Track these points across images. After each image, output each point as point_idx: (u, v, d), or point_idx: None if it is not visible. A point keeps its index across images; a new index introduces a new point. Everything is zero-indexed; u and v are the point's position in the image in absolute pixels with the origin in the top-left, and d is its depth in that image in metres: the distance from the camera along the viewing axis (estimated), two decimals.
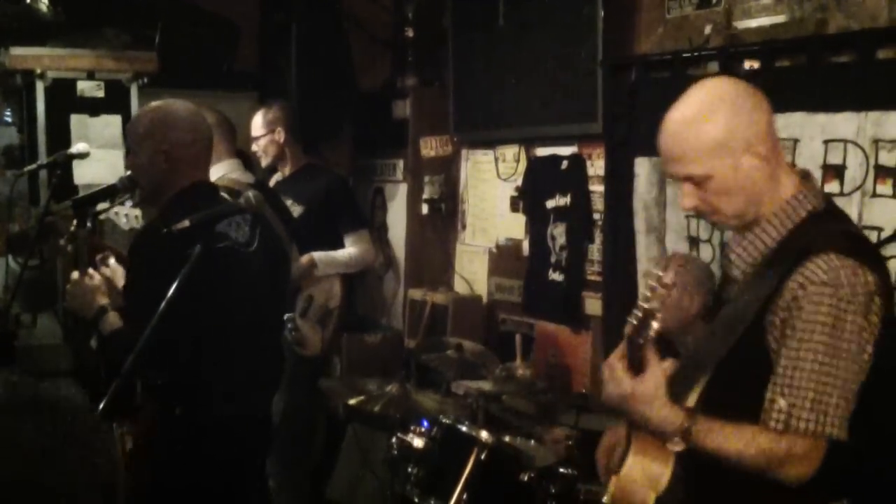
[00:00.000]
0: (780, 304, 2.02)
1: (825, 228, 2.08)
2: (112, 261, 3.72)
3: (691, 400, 2.15)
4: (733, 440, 2.01)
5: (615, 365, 2.12)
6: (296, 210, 4.69)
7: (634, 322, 2.07)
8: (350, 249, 4.81)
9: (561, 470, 3.17)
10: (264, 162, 4.88)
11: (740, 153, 2.08)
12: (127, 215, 3.91)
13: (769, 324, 2.04)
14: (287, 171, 4.92)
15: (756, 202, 2.12)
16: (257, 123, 4.88)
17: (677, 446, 2.06)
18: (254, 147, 4.89)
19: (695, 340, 3.18)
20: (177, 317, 2.53)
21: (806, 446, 1.97)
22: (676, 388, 2.14)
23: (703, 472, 2.12)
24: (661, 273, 2.04)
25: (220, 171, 3.94)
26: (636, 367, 2.10)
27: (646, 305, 2.04)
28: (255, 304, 3.08)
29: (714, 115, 2.09)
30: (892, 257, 3.06)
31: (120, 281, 3.70)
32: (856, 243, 2.07)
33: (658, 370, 2.09)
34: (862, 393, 2.01)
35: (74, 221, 3.51)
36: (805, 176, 2.21)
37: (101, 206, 3.78)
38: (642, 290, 2.11)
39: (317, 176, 4.92)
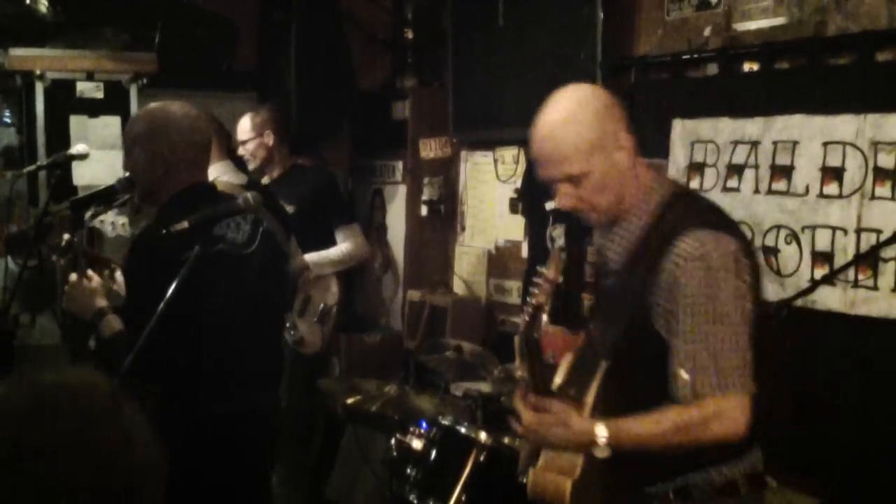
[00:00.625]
0: (661, 285, 2.16)
1: (682, 209, 2.24)
2: (118, 274, 3.75)
3: (593, 387, 2.28)
4: (650, 427, 2.14)
5: (518, 405, 2.28)
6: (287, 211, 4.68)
7: (526, 318, 2.23)
8: (342, 245, 4.81)
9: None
10: (252, 165, 4.83)
11: (612, 148, 2.24)
12: (113, 223, 3.90)
13: (653, 305, 2.18)
14: (275, 174, 4.89)
15: (625, 194, 2.28)
16: (245, 127, 4.82)
17: (603, 452, 2.16)
18: (241, 151, 4.84)
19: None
20: (174, 319, 2.53)
21: (722, 403, 2.09)
22: (579, 378, 2.31)
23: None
24: (544, 270, 2.25)
25: (213, 173, 3.93)
26: (535, 375, 2.25)
27: (533, 301, 2.22)
28: (253, 304, 3.09)
29: (584, 116, 2.24)
30: (891, 259, 3.06)
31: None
32: (712, 216, 2.26)
33: (557, 404, 2.22)
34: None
35: (66, 235, 3.55)
36: (657, 167, 2.43)
37: (89, 213, 3.80)
38: (530, 289, 2.29)
39: (304, 175, 4.90)
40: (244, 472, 3.09)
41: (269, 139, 4.82)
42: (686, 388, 2.12)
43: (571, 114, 2.25)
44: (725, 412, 2.10)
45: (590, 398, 2.27)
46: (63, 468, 1.21)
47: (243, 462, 3.07)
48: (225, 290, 2.99)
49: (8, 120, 5.59)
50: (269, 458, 3.32)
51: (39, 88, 5.06)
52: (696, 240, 2.14)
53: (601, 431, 2.15)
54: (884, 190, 3.10)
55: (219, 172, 3.94)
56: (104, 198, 4.04)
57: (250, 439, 3.09)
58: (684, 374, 2.11)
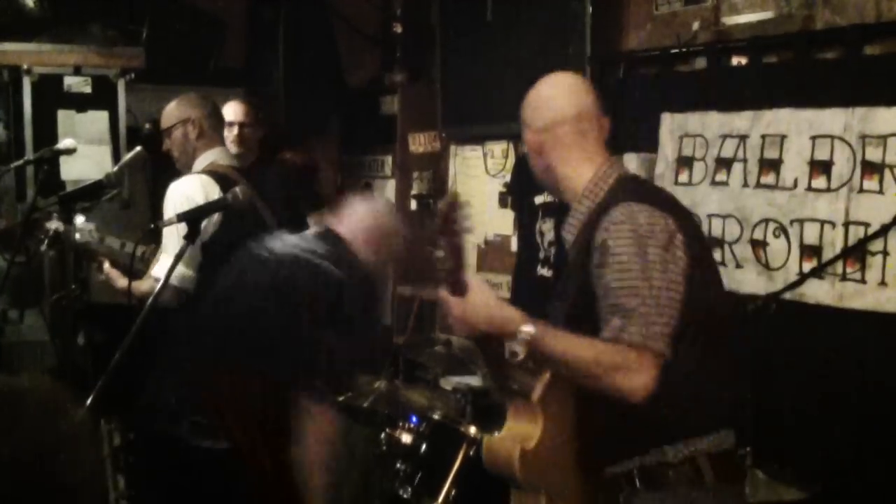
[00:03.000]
0: (595, 249, 2.25)
1: (624, 189, 2.36)
2: (107, 265, 3.77)
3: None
4: (572, 342, 2.20)
5: (443, 295, 2.30)
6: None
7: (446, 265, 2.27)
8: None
9: None
10: (238, 151, 4.67)
11: (559, 128, 2.42)
12: (81, 230, 3.88)
13: (591, 271, 2.26)
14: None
15: (566, 179, 2.43)
16: (240, 111, 4.71)
17: (521, 346, 2.19)
18: (228, 133, 4.59)
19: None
20: None
21: (636, 357, 2.13)
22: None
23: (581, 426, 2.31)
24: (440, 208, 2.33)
25: (212, 157, 3.90)
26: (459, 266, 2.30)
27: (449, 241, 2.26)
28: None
29: (551, 93, 2.48)
30: (878, 252, 3.07)
31: (119, 281, 3.74)
32: (652, 195, 2.37)
33: (478, 281, 2.34)
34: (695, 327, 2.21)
35: (53, 225, 3.57)
36: (612, 158, 2.49)
37: (54, 224, 3.80)
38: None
39: (266, 169, 4.84)
40: None
41: (261, 131, 4.78)
42: (614, 332, 2.15)
43: (539, 94, 2.51)
44: (637, 368, 2.13)
45: (547, 373, 2.30)
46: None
47: None
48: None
49: None
50: None
51: (27, 83, 5.04)
52: (626, 208, 2.24)
53: (527, 328, 2.20)
54: (872, 183, 3.11)
55: (216, 156, 3.89)
56: (92, 193, 4.04)
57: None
58: (616, 320, 2.15)
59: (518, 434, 2.30)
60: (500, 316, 2.26)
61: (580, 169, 2.43)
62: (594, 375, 2.17)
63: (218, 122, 3.95)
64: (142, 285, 3.59)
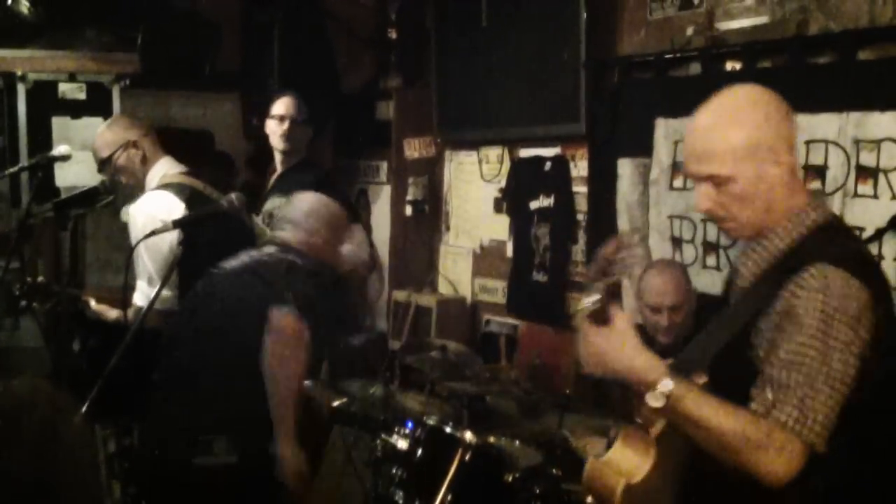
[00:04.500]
0: (773, 310, 2.02)
1: (826, 241, 2.07)
2: (93, 302, 3.79)
3: None
4: (714, 409, 1.98)
5: (583, 325, 2.11)
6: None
7: (599, 296, 2.09)
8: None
9: (545, 470, 3.17)
10: (286, 147, 4.59)
11: (766, 161, 2.06)
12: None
13: (758, 331, 2.04)
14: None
15: (770, 212, 2.10)
16: (296, 104, 4.63)
17: (658, 401, 2.01)
18: (282, 130, 4.58)
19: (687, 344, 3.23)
20: None
21: (785, 439, 1.92)
22: None
23: (696, 482, 2.12)
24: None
25: (162, 169, 3.88)
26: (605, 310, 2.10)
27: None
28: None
29: (746, 120, 2.08)
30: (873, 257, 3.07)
31: (109, 313, 3.76)
32: (853, 256, 2.05)
33: (623, 316, 2.10)
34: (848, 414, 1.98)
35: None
36: (813, 191, 2.23)
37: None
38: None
39: (303, 172, 4.81)
40: None
41: (310, 131, 4.72)
42: (765, 404, 1.95)
43: (733, 114, 2.10)
44: (786, 450, 1.92)
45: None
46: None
47: None
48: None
49: None
50: None
51: (21, 90, 5.04)
52: (822, 273, 1.97)
53: (666, 381, 2.00)
54: (866, 188, 3.12)
55: (167, 167, 3.88)
56: (87, 199, 4.04)
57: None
58: (769, 394, 1.95)
59: (624, 464, 2.15)
60: (642, 362, 2.05)
61: (773, 205, 2.10)
62: (731, 449, 1.95)
63: (154, 136, 3.93)
64: (130, 315, 3.58)
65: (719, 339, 2.14)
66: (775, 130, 2.08)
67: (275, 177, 4.70)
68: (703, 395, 2.01)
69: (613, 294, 2.07)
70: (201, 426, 3.08)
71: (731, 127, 2.07)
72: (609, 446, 2.22)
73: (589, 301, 2.08)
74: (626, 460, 2.16)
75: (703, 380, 2.08)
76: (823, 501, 2.04)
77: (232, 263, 3.30)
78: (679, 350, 2.34)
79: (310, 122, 4.67)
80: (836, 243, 2.07)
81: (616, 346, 2.07)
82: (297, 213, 3.43)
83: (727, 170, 2.06)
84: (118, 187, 3.86)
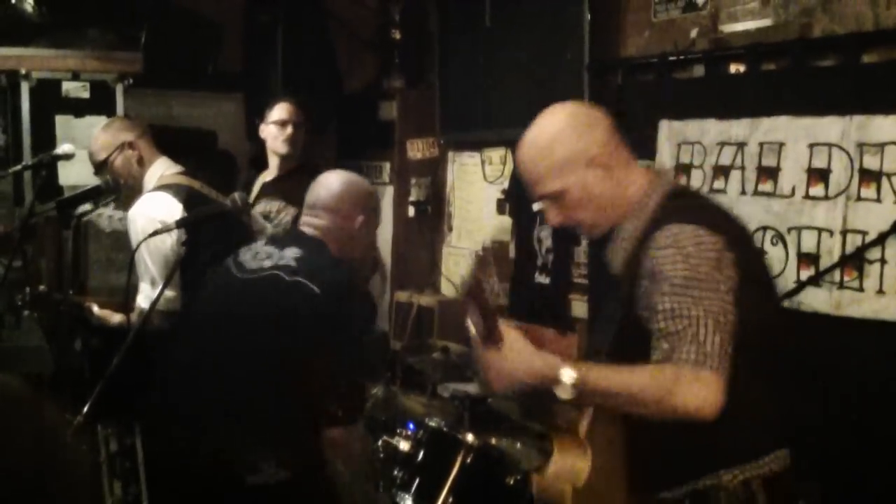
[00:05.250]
0: (641, 276, 2.19)
1: (670, 207, 2.27)
2: (96, 308, 3.79)
3: None
4: (619, 374, 2.11)
5: (478, 354, 2.24)
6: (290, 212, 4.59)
7: (475, 323, 2.21)
8: None
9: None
10: (287, 151, 4.60)
11: (584, 167, 2.31)
12: (110, 217, 3.91)
13: (638, 300, 2.20)
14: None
15: (611, 207, 2.34)
16: (292, 108, 4.65)
17: (567, 392, 2.11)
18: (280, 133, 4.59)
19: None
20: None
21: (693, 373, 2.04)
22: None
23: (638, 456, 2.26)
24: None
25: (159, 169, 3.88)
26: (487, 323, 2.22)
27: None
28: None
29: (554, 139, 2.35)
30: (876, 261, 3.07)
31: (113, 318, 3.75)
32: (697, 211, 2.25)
33: (511, 330, 2.22)
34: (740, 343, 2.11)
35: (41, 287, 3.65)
36: (655, 171, 2.43)
37: (83, 208, 3.81)
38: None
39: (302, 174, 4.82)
40: None
41: (306, 134, 4.71)
42: (663, 354, 2.08)
43: (541, 137, 2.38)
44: (697, 384, 2.04)
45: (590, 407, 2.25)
46: None
47: None
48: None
49: None
50: None
51: (25, 88, 5.04)
52: (670, 231, 2.17)
53: (566, 371, 2.12)
54: (869, 191, 3.11)
55: (165, 167, 3.88)
56: (90, 198, 4.04)
57: None
58: (664, 344, 2.08)
59: (567, 471, 2.23)
60: (539, 364, 2.18)
61: (614, 199, 2.34)
62: (649, 402, 2.07)
63: (150, 137, 3.93)
64: (133, 318, 3.56)
65: (613, 319, 2.33)
66: (583, 139, 2.33)
67: (266, 181, 4.71)
68: (605, 368, 2.16)
69: (489, 317, 2.18)
70: (224, 434, 2.92)
71: (545, 150, 2.35)
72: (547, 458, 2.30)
73: (470, 330, 2.22)
74: (566, 467, 2.25)
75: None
76: (755, 431, 2.21)
77: (258, 263, 3.09)
78: None
79: (306, 126, 4.69)
80: (681, 205, 2.29)
81: (513, 359, 2.19)
82: (328, 196, 3.15)
83: (557, 186, 2.33)
84: (121, 186, 3.87)
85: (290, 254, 3.05)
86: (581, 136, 2.34)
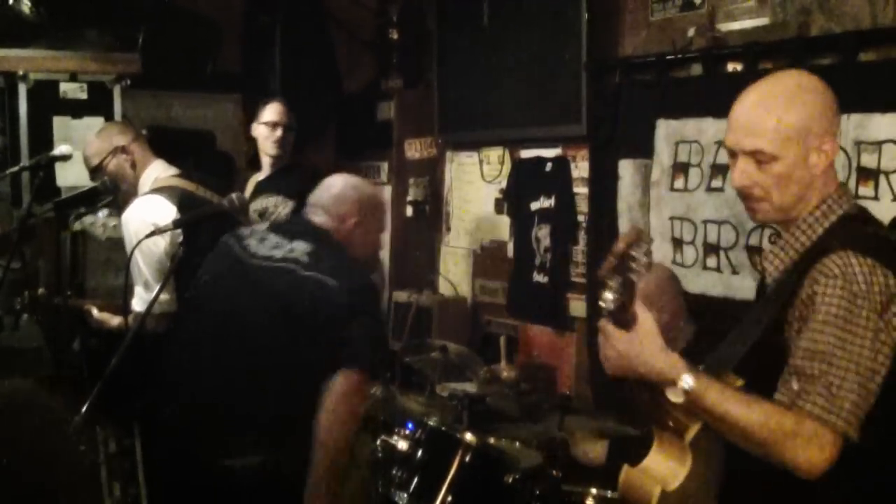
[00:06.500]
0: (798, 300, 2.00)
1: (850, 230, 2.05)
2: (95, 311, 3.80)
3: None
4: (737, 402, 1.96)
5: (605, 326, 2.08)
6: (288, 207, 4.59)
7: (614, 295, 2.03)
8: None
9: (545, 472, 3.17)
10: (277, 153, 4.63)
11: (812, 147, 2.06)
12: (104, 225, 3.90)
13: (787, 321, 2.02)
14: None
15: (803, 199, 2.10)
16: (283, 110, 4.67)
17: (677, 396, 2.00)
18: (269, 135, 4.62)
19: (687, 344, 3.20)
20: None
21: (814, 428, 1.89)
22: None
23: (734, 487, 2.11)
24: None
25: (155, 172, 3.88)
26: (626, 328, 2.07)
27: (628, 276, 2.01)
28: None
29: (800, 103, 2.07)
30: None
31: (112, 321, 3.75)
32: (879, 245, 2.02)
33: (647, 316, 2.06)
34: (883, 403, 1.94)
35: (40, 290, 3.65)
36: (841, 183, 2.19)
37: (77, 223, 3.81)
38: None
39: (289, 172, 4.82)
40: None
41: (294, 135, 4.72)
42: (790, 395, 1.93)
43: (790, 94, 2.09)
44: (813, 443, 1.89)
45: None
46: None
47: None
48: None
49: None
50: None
51: (22, 89, 5.04)
52: (843, 259, 1.95)
53: (686, 378, 1.98)
54: (867, 189, 3.12)
55: (161, 170, 3.88)
56: (88, 199, 4.04)
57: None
58: (795, 384, 1.92)
59: (661, 471, 2.14)
60: (663, 361, 2.03)
61: (807, 193, 2.10)
62: (759, 441, 1.93)
63: (145, 140, 3.93)
64: (131, 321, 3.56)
65: (750, 336, 2.11)
66: (825, 119, 2.08)
67: (259, 180, 4.73)
68: (726, 390, 1.99)
69: (629, 292, 2.02)
70: (229, 427, 2.94)
71: (785, 107, 2.06)
72: (610, 448, 2.23)
73: (606, 299, 2.04)
74: (661, 467, 2.15)
75: (739, 382, 2.05)
76: (870, 495, 2.00)
77: (266, 250, 3.10)
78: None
79: (296, 127, 4.71)
80: (860, 232, 2.05)
81: (638, 348, 2.04)
82: (327, 196, 3.21)
83: (774, 147, 2.05)
84: (118, 187, 3.87)
85: (301, 247, 3.07)
86: (827, 115, 2.09)
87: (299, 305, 2.96)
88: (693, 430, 2.14)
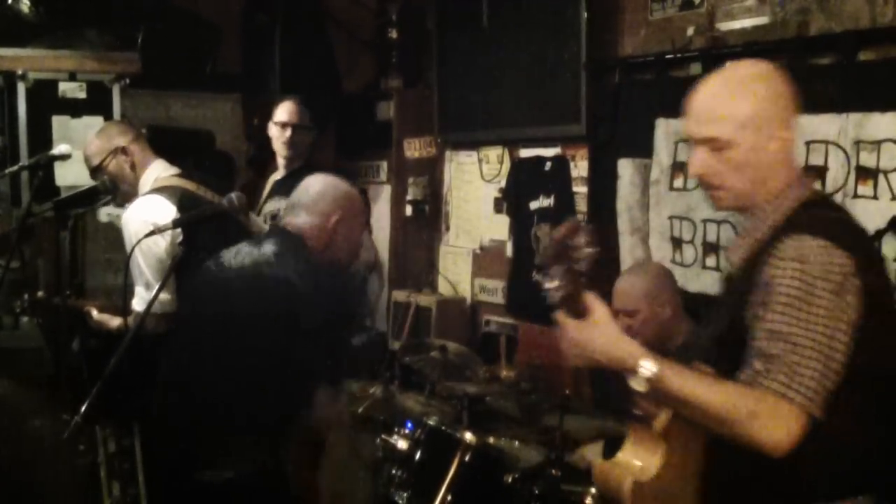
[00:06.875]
0: (758, 285, 2.01)
1: (807, 214, 2.07)
2: (95, 312, 3.79)
3: None
4: (700, 384, 1.98)
5: (559, 317, 2.11)
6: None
7: (556, 283, 2.07)
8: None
9: (544, 471, 3.17)
10: (290, 154, 4.60)
11: (766, 134, 2.09)
12: (109, 213, 3.90)
13: (748, 306, 2.03)
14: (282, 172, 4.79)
15: (761, 185, 2.12)
16: (296, 109, 4.63)
17: (641, 385, 2.00)
18: (282, 136, 4.60)
19: (685, 340, 3.21)
20: None
21: (777, 405, 1.90)
22: None
23: (713, 473, 2.12)
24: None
25: (155, 172, 3.88)
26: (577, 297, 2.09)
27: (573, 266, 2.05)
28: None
29: (753, 90, 2.10)
30: None
31: (112, 322, 3.74)
32: (835, 226, 2.04)
33: (600, 305, 2.08)
34: (848, 382, 1.95)
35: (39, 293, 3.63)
36: (802, 174, 2.22)
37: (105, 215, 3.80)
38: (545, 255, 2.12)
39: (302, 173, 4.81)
40: None
41: (312, 135, 4.70)
42: (752, 375, 1.93)
43: (742, 81, 2.12)
44: (776, 418, 1.90)
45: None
46: None
47: None
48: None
49: None
50: None
51: (21, 89, 5.04)
52: (798, 242, 1.97)
53: (647, 364, 1.99)
54: (866, 189, 3.12)
55: (161, 169, 3.88)
56: (87, 199, 4.04)
57: None
58: (757, 364, 1.93)
59: (634, 463, 2.16)
60: (621, 349, 2.04)
61: (766, 180, 2.11)
62: (723, 421, 1.93)
63: (145, 140, 3.93)
64: (131, 322, 3.55)
65: (717, 326, 2.15)
66: (779, 105, 2.10)
67: (276, 180, 4.71)
68: (686, 373, 2.00)
69: (575, 282, 2.05)
70: (208, 437, 2.95)
71: (738, 94, 2.09)
72: (607, 447, 2.23)
73: (548, 289, 2.08)
74: (635, 459, 2.17)
75: (708, 370, 2.06)
76: (843, 472, 2.02)
77: (238, 261, 3.12)
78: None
79: (312, 127, 4.67)
80: (817, 215, 2.07)
81: (595, 336, 2.06)
82: (306, 196, 3.22)
83: (728, 134, 2.08)
84: (118, 186, 3.86)
85: (268, 249, 3.08)
86: (780, 103, 2.11)
87: (265, 303, 2.97)
88: (664, 417, 2.16)
